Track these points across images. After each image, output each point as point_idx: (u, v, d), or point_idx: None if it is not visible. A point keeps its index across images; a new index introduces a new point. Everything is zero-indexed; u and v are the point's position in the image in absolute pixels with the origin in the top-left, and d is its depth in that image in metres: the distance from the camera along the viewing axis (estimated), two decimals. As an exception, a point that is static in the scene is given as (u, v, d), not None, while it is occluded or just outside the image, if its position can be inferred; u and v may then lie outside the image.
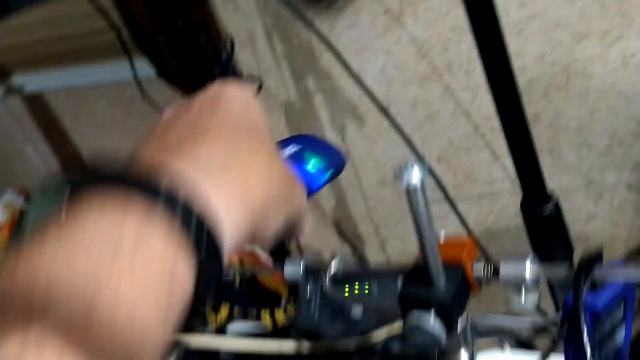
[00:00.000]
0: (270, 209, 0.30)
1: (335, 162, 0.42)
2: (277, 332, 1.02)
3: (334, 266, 0.46)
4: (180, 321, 0.25)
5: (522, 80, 0.94)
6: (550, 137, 0.99)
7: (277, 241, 0.36)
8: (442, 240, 0.41)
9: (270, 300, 1.08)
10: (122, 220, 0.23)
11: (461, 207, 1.17)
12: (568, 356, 0.38)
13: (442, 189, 1.11)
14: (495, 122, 0.64)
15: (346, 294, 0.64)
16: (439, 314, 0.36)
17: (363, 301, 0.64)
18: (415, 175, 0.33)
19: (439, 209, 1.17)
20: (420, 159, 1.09)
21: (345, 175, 1.23)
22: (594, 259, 0.35)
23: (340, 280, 0.48)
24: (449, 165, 1.12)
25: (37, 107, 1.43)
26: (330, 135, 1.17)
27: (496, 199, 1.12)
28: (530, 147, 0.49)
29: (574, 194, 1.04)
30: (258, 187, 0.29)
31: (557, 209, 0.50)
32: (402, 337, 0.49)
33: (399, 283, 0.40)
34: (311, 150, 0.41)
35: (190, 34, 0.85)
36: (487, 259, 0.39)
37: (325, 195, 1.29)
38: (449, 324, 0.37)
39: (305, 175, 0.39)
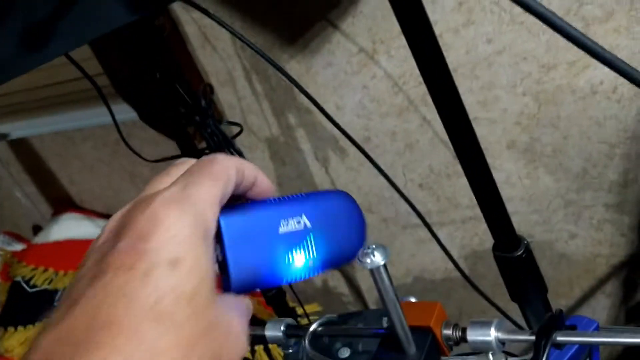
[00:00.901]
0: None
1: (347, 247, 0.34)
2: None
3: (313, 327, 0.48)
4: None
5: (495, 109, 0.97)
6: (526, 163, 1.01)
7: None
8: (411, 300, 0.43)
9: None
10: None
11: (446, 230, 1.20)
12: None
13: (421, 216, 1.13)
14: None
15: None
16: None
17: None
18: (377, 259, 0.35)
19: (423, 233, 1.20)
20: (398, 190, 1.11)
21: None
22: (554, 325, 0.37)
23: (321, 340, 0.50)
24: (431, 191, 1.14)
25: (24, 151, 1.44)
26: (314, 167, 1.19)
27: (480, 221, 1.14)
28: (497, 197, 0.52)
29: (554, 215, 1.07)
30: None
31: (528, 252, 0.52)
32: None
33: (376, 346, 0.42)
34: (321, 234, 0.32)
35: (169, 84, 0.87)
36: (455, 324, 0.41)
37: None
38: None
39: (282, 265, 0.31)
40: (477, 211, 1.16)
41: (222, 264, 0.30)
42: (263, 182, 0.33)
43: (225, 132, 0.96)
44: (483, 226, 1.22)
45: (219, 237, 0.30)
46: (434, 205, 1.15)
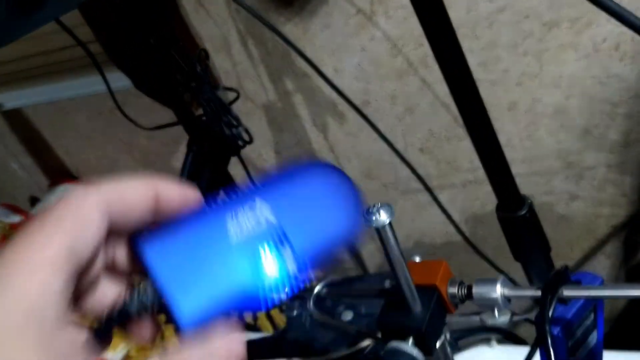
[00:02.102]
0: None
1: (338, 236, 0.26)
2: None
3: (317, 289, 0.48)
4: None
5: (496, 70, 0.96)
6: (528, 124, 1.00)
7: None
8: (416, 259, 0.43)
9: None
10: None
11: (446, 194, 1.19)
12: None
13: (422, 180, 1.12)
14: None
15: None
16: (416, 340, 0.38)
17: (349, 324, 0.66)
18: (383, 217, 0.34)
19: (424, 197, 1.19)
20: (399, 154, 1.11)
21: (331, 171, 1.24)
22: (559, 280, 0.37)
23: (325, 302, 0.49)
24: (431, 155, 1.13)
25: (18, 122, 1.42)
26: (313, 133, 1.18)
27: (480, 185, 1.14)
28: (501, 156, 0.51)
29: (556, 176, 1.06)
30: None
31: (531, 212, 0.51)
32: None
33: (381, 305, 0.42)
34: (293, 226, 0.24)
35: (164, 50, 0.85)
36: (461, 282, 0.40)
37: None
38: (427, 348, 0.38)
39: (249, 283, 0.24)
40: (478, 174, 1.16)
41: (161, 308, 0.23)
42: (170, 193, 0.25)
43: (221, 98, 0.95)
44: (484, 189, 1.22)
45: (145, 274, 0.23)
46: (434, 170, 1.15)
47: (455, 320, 0.46)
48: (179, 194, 0.25)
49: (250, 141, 0.96)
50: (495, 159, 0.50)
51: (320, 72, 0.83)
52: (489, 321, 0.39)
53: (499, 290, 0.38)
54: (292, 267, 0.24)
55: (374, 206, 0.34)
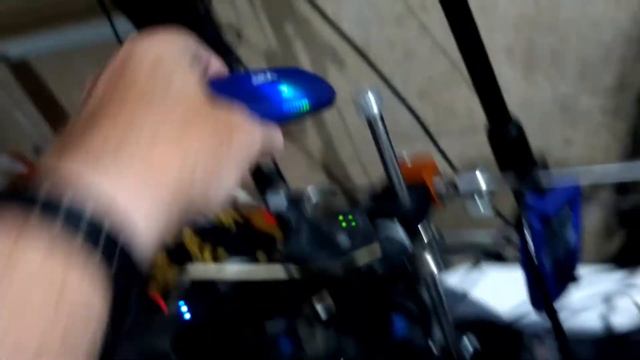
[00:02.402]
0: (199, 175, 0.27)
1: (318, 93, 0.37)
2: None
3: (312, 194, 0.50)
4: (109, 343, 0.21)
5: (494, 15, 0.97)
6: (523, 69, 1.02)
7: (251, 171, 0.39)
8: (407, 160, 0.45)
9: (264, 242, 1.13)
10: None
11: (445, 141, 1.21)
12: (522, 255, 0.42)
13: (422, 125, 1.14)
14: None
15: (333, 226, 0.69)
16: (402, 223, 0.40)
17: (349, 230, 0.69)
18: (373, 104, 0.36)
19: (423, 144, 1.21)
20: (401, 99, 1.12)
21: (331, 118, 1.26)
22: (537, 166, 0.39)
23: (324, 210, 0.52)
24: (429, 101, 1.15)
25: (23, 72, 1.44)
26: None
27: (477, 131, 1.15)
28: (491, 77, 0.53)
29: (551, 121, 1.08)
30: (169, 162, 0.26)
31: (520, 130, 0.53)
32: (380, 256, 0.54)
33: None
34: (290, 79, 0.35)
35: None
36: (448, 178, 0.43)
37: (312, 140, 1.33)
38: (413, 231, 0.41)
39: (275, 101, 0.34)
40: (475, 121, 1.18)
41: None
42: (216, 63, 0.36)
43: (224, 39, 0.97)
44: (480, 136, 1.25)
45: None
46: (432, 116, 1.17)
47: (449, 241, 0.48)
48: (220, 65, 0.36)
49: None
50: (484, 75, 0.52)
51: (322, 12, 0.85)
52: (472, 210, 0.42)
53: (480, 180, 0.41)
54: (290, 95, 0.34)
55: (361, 93, 0.36)
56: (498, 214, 0.49)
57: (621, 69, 0.97)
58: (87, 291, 0.20)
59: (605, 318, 0.59)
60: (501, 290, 0.56)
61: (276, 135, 0.33)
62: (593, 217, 1.21)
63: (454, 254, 0.64)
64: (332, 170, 1.38)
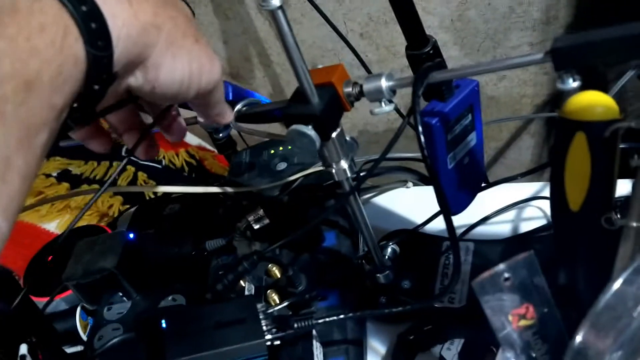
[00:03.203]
0: (163, 37, 0.33)
1: None
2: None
3: (238, 107, 0.54)
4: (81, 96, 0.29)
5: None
6: (458, 4, 1.06)
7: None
8: (318, 67, 0.49)
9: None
10: None
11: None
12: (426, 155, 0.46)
13: (365, 66, 1.18)
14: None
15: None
16: (315, 126, 0.44)
17: (284, 155, 0.73)
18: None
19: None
20: (344, 39, 1.15)
21: (276, 59, 1.29)
22: (431, 67, 0.44)
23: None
24: (371, 40, 1.18)
25: None
26: (258, 21, 1.22)
27: (417, 69, 1.20)
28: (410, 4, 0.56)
29: (485, 57, 1.13)
30: (145, 9, 0.32)
31: (435, 49, 0.57)
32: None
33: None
34: None
35: None
36: (355, 82, 0.47)
37: (261, 83, 1.35)
38: (324, 134, 0.45)
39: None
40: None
41: None
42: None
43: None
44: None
45: None
46: (374, 55, 1.20)
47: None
48: None
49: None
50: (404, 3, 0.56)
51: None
52: (376, 111, 0.46)
53: (383, 83, 0.45)
54: None
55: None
56: (398, 112, 0.54)
57: (547, 2, 1.02)
58: (78, 47, 0.28)
59: (514, 222, 0.65)
60: (426, 204, 0.61)
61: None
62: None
63: (383, 173, 0.69)
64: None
